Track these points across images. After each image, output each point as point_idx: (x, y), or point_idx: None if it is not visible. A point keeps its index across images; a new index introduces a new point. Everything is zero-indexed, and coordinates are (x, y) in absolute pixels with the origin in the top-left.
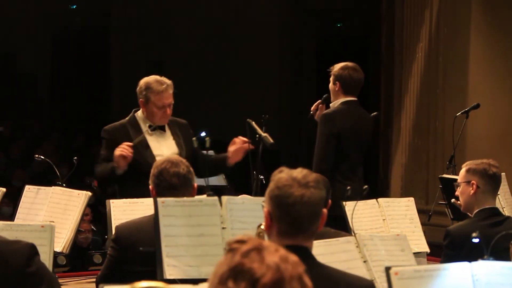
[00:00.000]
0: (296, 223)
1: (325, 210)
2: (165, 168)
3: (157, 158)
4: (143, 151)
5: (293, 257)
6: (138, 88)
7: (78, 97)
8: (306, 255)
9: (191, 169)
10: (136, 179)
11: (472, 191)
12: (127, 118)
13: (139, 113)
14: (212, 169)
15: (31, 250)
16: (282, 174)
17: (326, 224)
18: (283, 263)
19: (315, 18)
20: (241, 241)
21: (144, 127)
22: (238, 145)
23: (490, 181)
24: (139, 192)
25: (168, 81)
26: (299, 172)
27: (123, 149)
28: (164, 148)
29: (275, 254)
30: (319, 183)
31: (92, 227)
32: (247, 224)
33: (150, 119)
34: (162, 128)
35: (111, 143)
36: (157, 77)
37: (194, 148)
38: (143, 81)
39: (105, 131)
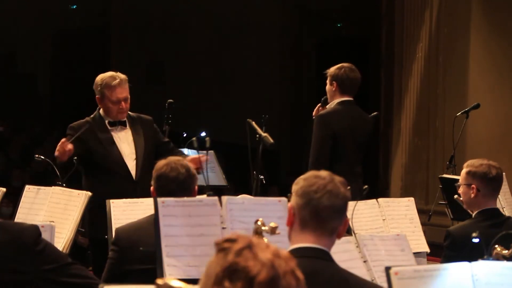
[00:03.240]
0: (316, 211)
1: (348, 216)
2: (164, 173)
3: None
4: (108, 147)
5: (285, 252)
6: (94, 85)
7: (78, 97)
8: (326, 258)
9: (193, 171)
10: (103, 175)
11: (472, 194)
12: (92, 116)
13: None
14: None
15: (37, 230)
16: (309, 174)
17: None
18: (276, 259)
19: (315, 18)
20: (231, 240)
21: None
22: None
23: (490, 184)
24: (106, 188)
25: (122, 76)
26: (325, 173)
27: (58, 149)
28: (124, 144)
29: (267, 251)
30: (345, 184)
31: None
32: (247, 224)
33: (107, 115)
34: (123, 124)
35: (77, 138)
36: (112, 72)
37: (164, 142)
38: (98, 78)
39: (71, 128)
